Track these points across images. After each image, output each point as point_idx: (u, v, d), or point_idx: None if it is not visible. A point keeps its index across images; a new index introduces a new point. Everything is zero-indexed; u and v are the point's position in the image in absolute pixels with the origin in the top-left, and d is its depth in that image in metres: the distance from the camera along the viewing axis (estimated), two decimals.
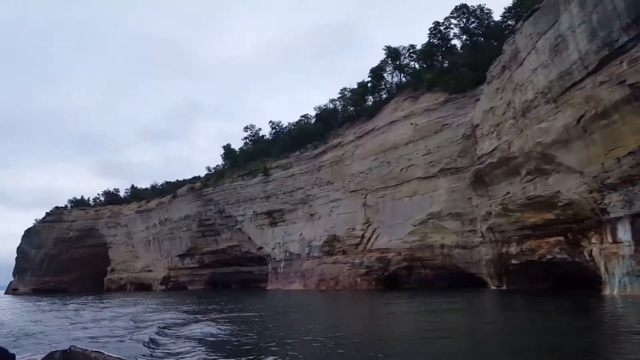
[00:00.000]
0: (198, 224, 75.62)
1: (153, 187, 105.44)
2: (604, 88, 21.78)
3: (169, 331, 15.58)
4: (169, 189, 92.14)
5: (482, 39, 54.54)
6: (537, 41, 27.07)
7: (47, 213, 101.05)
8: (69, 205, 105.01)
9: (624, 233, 21.74)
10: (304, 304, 32.14)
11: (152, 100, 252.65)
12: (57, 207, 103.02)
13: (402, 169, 46.47)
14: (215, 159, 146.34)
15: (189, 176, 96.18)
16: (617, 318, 16.32)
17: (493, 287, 35.88)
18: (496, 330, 15.19)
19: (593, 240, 24.90)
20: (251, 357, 10.13)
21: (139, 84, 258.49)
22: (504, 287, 34.86)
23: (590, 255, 25.15)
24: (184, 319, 20.72)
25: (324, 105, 73.11)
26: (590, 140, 23.54)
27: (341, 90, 70.67)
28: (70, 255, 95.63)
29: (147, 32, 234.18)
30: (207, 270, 77.81)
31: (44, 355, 3.93)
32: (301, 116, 79.39)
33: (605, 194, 22.89)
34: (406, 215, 44.41)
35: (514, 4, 47.84)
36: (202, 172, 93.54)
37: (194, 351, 11.38)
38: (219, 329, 16.18)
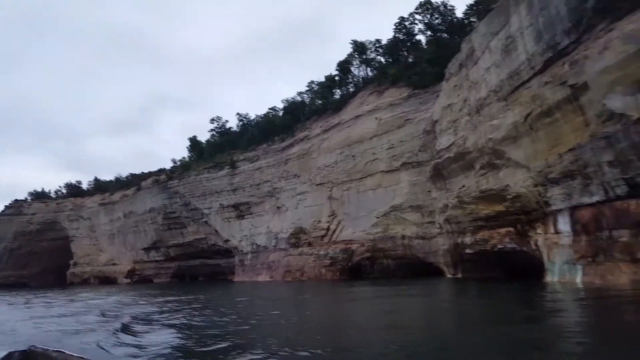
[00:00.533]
0: (163, 217, 74.78)
1: (117, 180, 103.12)
2: (548, 88, 23.14)
3: (135, 327, 15.73)
4: (134, 182, 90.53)
5: (447, 35, 55.96)
6: (490, 41, 28.29)
7: (5, 206, 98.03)
8: (29, 198, 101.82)
9: (564, 224, 23.34)
10: (271, 296, 32.93)
11: (116, 91, 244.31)
12: (16, 200, 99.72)
13: (366, 162, 47.51)
14: (181, 151, 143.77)
15: (154, 168, 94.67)
16: (546, 299, 18.92)
17: (449, 276, 37.53)
18: (450, 316, 17.23)
19: (538, 230, 26.57)
20: (218, 351, 10.61)
21: (102, 73, 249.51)
22: (460, 276, 36.63)
23: (536, 244, 26.84)
24: (151, 312, 21.04)
25: (292, 98, 73.43)
26: (536, 137, 25.00)
27: (309, 83, 71.10)
28: (31, 249, 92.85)
29: (111, 19, 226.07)
30: (173, 263, 77.24)
31: (2, 356, 3.83)
32: (269, 109, 79.42)
33: (548, 187, 24.42)
34: (370, 207, 45.57)
35: (476, 2, 49.26)
36: (168, 165, 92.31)
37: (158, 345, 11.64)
38: (185, 324, 16.54)
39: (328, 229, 50.15)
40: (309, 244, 51.69)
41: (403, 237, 42.45)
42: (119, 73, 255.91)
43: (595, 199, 21.47)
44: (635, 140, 19.27)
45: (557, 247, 24.05)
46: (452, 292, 28.03)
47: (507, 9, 26.09)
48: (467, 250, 35.32)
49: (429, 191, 41.16)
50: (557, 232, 24.02)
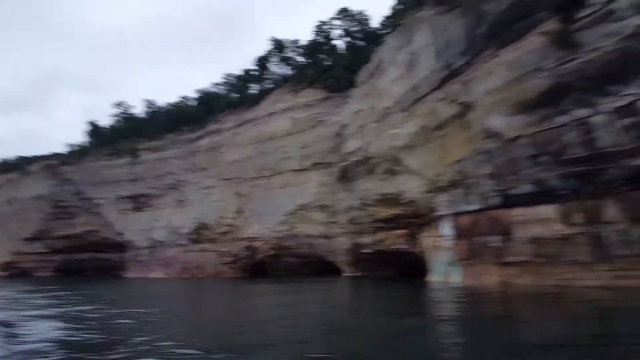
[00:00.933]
0: (51, 205, 67.91)
1: (4, 162, 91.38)
2: (442, 104, 25.30)
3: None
4: (20, 165, 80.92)
5: (364, 43, 58.22)
6: (397, 55, 30.14)
7: None
8: None
9: (447, 229, 25.69)
10: (168, 293, 31.64)
11: (5, 64, 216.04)
12: None
13: (277, 160, 47.70)
14: (78, 136, 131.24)
15: (44, 151, 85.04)
16: (427, 295, 20.97)
17: (349, 274, 39.22)
18: (342, 308, 18.79)
19: (426, 233, 28.91)
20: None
21: None
22: (359, 274, 38.50)
23: (424, 246, 29.16)
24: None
25: (207, 89, 71.13)
26: (429, 148, 27.15)
27: (225, 75, 69.50)
28: None
29: None
30: (58, 256, 70.29)
31: None
32: (181, 97, 75.86)
33: (436, 194, 26.67)
34: (278, 205, 45.79)
35: (388, 16, 51.91)
36: (61, 149, 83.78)
37: None
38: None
39: (233, 225, 49.41)
40: (212, 241, 50.47)
41: (308, 235, 43.31)
42: (12, 47, 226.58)
43: (474, 207, 23.93)
44: (509, 157, 21.86)
45: (440, 249, 26.36)
46: (348, 288, 29.81)
47: (413, 27, 28.02)
48: (366, 250, 37.22)
49: (336, 192, 42.55)
50: (440, 235, 26.33)
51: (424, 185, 27.96)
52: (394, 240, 33.67)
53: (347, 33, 60.67)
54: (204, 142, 56.53)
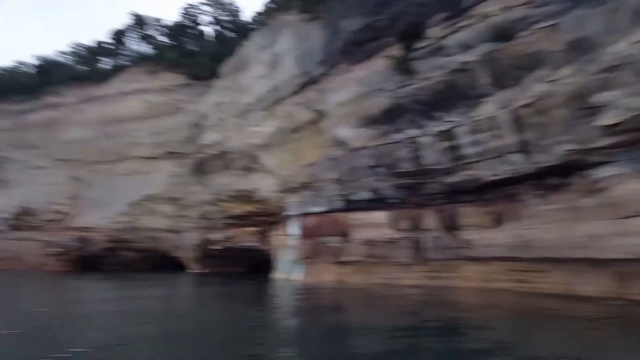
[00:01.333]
0: None
1: None
2: (300, 108, 26.32)
3: None
4: None
5: (234, 35, 56.99)
6: (262, 53, 30.34)
7: None
8: None
9: (294, 228, 26.77)
10: None
11: None
12: None
13: (125, 144, 43.79)
14: None
15: None
16: (270, 290, 21.44)
17: (196, 270, 37.98)
18: (180, 303, 18.63)
19: (275, 232, 29.70)
20: None
21: None
22: (207, 270, 37.54)
23: (272, 244, 29.90)
24: None
25: (48, 56, 61.59)
26: (285, 149, 27.98)
27: (74, 44, 61.22)
28: None
29: None
30: None
31: None
32: (15, 62, 64.42)
33: (288, 195, 27.61)
34: (120, 194, 41.91)
35: (259, 12, 51.86)
36: None
37: None
38: None
39: (64, 212, 43.66)
40: (36, 228, 43.80)
41: (152, 229, 40.60)
42: None
43: (320, 209, 25.40)
44: (352, 165, 23.75)
45: (287, 248, 27.33)
46: (188, 284, 29.01)
47: (278, 29, 28.55)
48: (216, 246, 36.54)
49: (188, 185, 40.81)
50: (289, 234, 27.32)
51: (278, 185, 28.68)
52: (245, 237, 33.78)
53: (217, 21, 58.88)
54: (38, 116, 48.88)
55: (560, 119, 15.86)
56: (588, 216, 15.99)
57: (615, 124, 14.20)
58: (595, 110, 14.67)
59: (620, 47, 13.85)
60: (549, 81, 15.92)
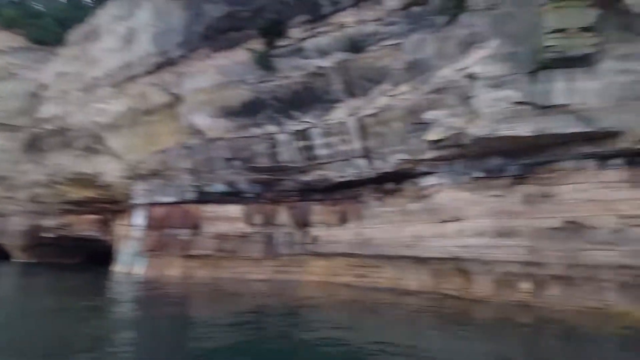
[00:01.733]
0: None
1: None
2: (154, 90, 24.38)
3: None
4: None
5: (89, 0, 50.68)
6: (116, 25, 27.35)
7: None
8: None
9: (140, 219, 24.86)
10: None
11: None
12: None
13: None
14: None
15: None
16: (107, 283, 20.35)
17: (21, 260, 33.06)
18: None
19: (118, 222, 27.24)
20: None
21: None
22: (34, 260, 32.94)
23: (114, 234, 27.37)
24: None
25: None
26: (135, 132, 25.69)
27: None
28: None
29: None
30: None
31: None
32: None
33: (135, 182, 25.49)
34: None
35: None
36: None
37: None
38: None
39: None
40: None
41: None
42: None
43: (169, 199, 23.99)
44: (208, 156, 22.92)
45: (129, 239, 25.26)
46: (14, 275, 26.03)
47: (137, 1, 26.03)
48: (47, 234, 32.16)
49: (18, 162, 35.09)
50: (131, 225, 25.28)
51: (124, 170, 26.25)
52: (84, 225, 30.34)
53: None
54: None
55: (397, 131, 17.44)
56: (415, 219, 17.92)
57: (439, 140, 16.10)
58: (425, 126, 16.46)
59: (446, 72, 15.71)
60: (390, 95, 17.36)
